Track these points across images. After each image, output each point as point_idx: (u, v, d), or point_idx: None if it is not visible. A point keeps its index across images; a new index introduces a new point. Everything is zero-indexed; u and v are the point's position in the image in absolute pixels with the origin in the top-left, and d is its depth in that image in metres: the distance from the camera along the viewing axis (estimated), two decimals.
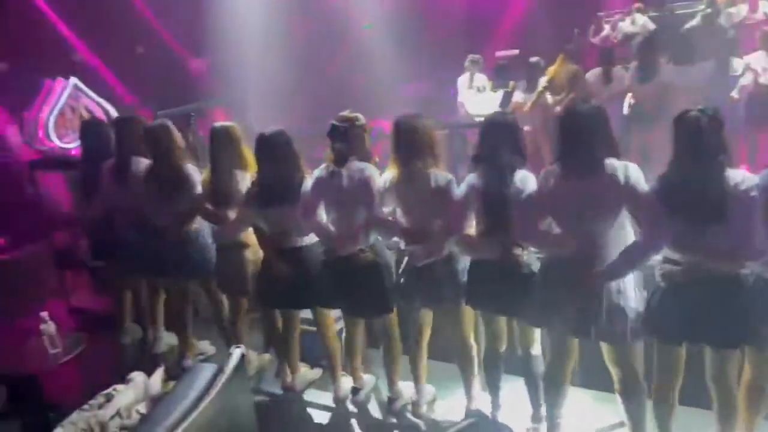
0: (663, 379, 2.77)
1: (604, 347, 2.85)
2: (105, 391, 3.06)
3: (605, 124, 2.74)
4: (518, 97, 7.17)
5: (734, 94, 5.72)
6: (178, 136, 4.04)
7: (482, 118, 6.58)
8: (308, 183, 3.40)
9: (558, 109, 6.72)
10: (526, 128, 7.08)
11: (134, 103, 7.72)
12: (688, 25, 7.62)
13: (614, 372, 2.87)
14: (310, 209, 3.36)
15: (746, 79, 5.74)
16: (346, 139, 3.29)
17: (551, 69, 7.05)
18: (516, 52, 9.64)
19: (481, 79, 7.52)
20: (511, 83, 7.49)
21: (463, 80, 7.62)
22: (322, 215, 3.41)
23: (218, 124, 3.77)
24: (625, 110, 6.67)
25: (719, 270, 2.52)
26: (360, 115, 3.36)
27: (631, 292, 2.73)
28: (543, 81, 6.95)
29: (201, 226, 4.04)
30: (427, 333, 3.47)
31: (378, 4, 9.28)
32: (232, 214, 3.70)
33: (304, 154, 3.56)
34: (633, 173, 2.66)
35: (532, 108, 6.97)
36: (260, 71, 7.85)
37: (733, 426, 2.71)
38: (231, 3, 7.89)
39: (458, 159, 6.16)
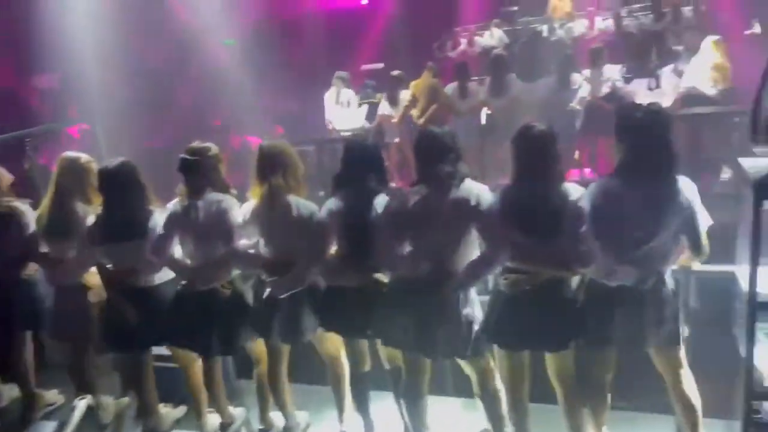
0: (512, 383, 2.91)
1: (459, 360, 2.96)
2: None
3: (455, 146, 2.83)
4: (384, 109, 7.32)
5: (575, 105, 6.21)
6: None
7: (348, 133, 6.80)
8: (159, 217, 3.22)
9: (421, 121, 6.95)
10: (395, 140, 7.35)
11: None
12: (528, 41, 8.21)
13: (472, 377, 3.01)
14: (162, 245, 3.18)
15: (584, 92, 6.25)
16: (198, 172, 3.14)
17: (414, 83, 7.29)
18: (381, 65, 9.88)
19: (348, 94, 7.60)
20: (378, 96, 7.64)
21: (329, 96, 7.66)
22: (177, 250, 3.24)
23: (66, 153, 3.46)
24: (483, 122, 7.05)
25: (554, 277, 2.69)
26: (212, 145, 3.22)
27: (474, 308, 2.86)
28: (407, 95, 7.16)
29: (34, 271, 3.66)
30: (284, 361, 3.38)
31: (241, 19, 9.09)
32: (72, 253, 3.40)
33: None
34: (482, 194, 2.77)
35: (400, 121, 7.16)
36: (116, 92, 7.35)
37: (580, 418, 2.90)
38: (76, 22, 7.31)
39: (328, 175, 6.17)
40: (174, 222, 3.18)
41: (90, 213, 3.34)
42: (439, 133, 2.81)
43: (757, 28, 8.23)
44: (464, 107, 6.89)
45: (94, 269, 3.38)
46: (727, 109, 6.01)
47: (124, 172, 3.20)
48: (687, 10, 9.12)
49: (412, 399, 3.07)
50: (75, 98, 7.35)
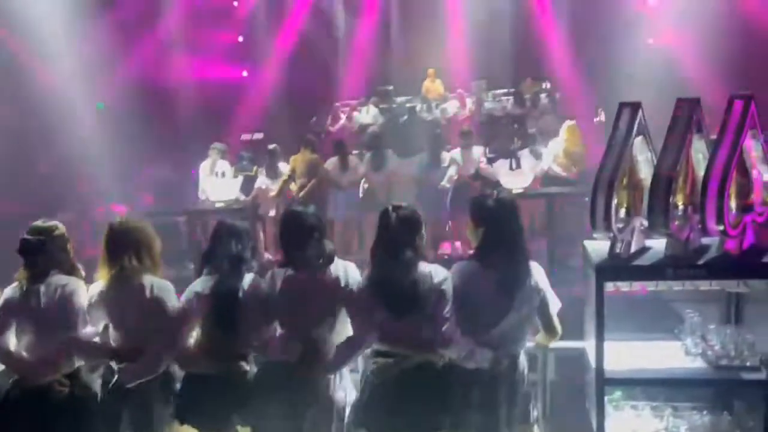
0: None
1: None
2: None
3: (320, 225, 2.84)
4: (261, 182, 7.27)
5: (444, 182, 6.54)
6: None
7: (222, 204, 6.64)
8: None
9: (301, 195, 6.97)
10: (271, 213, 7.28)
11: None
12: (404, 120, 8.65)
13: None
14: None
15: (453, 170, 6.61)
16: (42, 254, 2.88)
17: (293, 158, 7.34)
18: (260, 135, 9.88)
19: (223, 164, 7.47)
20: (255, 168, 7.59)
21: (204, 166, 7.49)
22: (11, 340, 2.91)
23: None
24: (360, 196, 7.22)
25: (421, 361, 2.70)
26: (58, 224, 2.97)
27: (346, 388, 2.82)
28: (286, 169, 7.19)
29: None
30: None
31: (115, 83, 8.77)
32: None
33: None
34: (351, 273, 2.78)
35: (279, 195, 7.13)
36: None
37: None
38: None
39: (197, 247, 5.94)
40: (10, 308, 2.88)
41: None
42: (303, 213, 2.81)
43: (602, 117, 9.22)
44: (345, 181, 7.03)
45: None
46: (577, 190, 6.58)
47: None
48: (543, 97, 10.08)
49: None
50: None
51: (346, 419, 2.76)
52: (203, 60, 11.10)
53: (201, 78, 10.76)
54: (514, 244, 2.66)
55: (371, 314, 2.68)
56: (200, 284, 2.91)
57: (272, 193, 7.20)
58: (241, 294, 2.83)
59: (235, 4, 12.41)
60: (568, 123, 7.28)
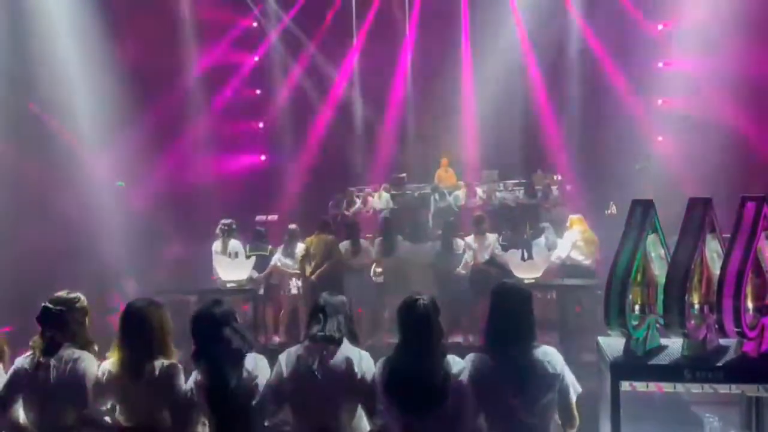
0: None
1: None
2: None
3: (343, 312, 2.84)
4: (277, 260, 7.32)
5: (460, 269, 6.54)
6: None
7: (234, 285, 6.64)
8: (1, 376, 2.89)
9: (314, 277, 6.98)
10: (293, 293, 7.28)
11: None
12: (418, 207, 8.79)
13: None
14: (2, 407, 2.83)
15: (468, 256, 6.63)
16: (61, 324, 2.90)
17: (309, 239, 7.40)
18: (275, 217, 10.03)
19: (236, 245, 7.54)
20: (269, 248, 7.65)
21: (216, 246, 7.55)
22: (20, 413, 2.88)
23: None
24: (374, 279, 7.21)
25: None
26: (81, 296, 3.00)
27: None
28: (301, 249, 7.24)
29: None
30: None
31: (129, 164, 9.04)
32: None
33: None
34: (365, 364, 2.75)
35: (300, 272, 7.14)
36: None
37: None
38: None
39: None
40: (19, 380, 2.86)
41: None
42: (332, 297, 2.83)
43: (613, 209, 9.31)
44: (356, 264, 7.05)
45: None
46: (592, 281, 6.55)
47: None
48: (554, 189, 10.23)
49: None
50: None
51: None
52: (226, 151, 11.48)
53: (221, 170, 11.12)
54: (520, 331, 2.63)
55: (388, 407, 2.62)
56: (196, 375, 2.86)
57: (290, 270, 7.22)
58: (235, 381, 2.75)
59: (258, 92, 12.98)
60: (575, 216, 7.42)
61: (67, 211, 7.75)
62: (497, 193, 10.46)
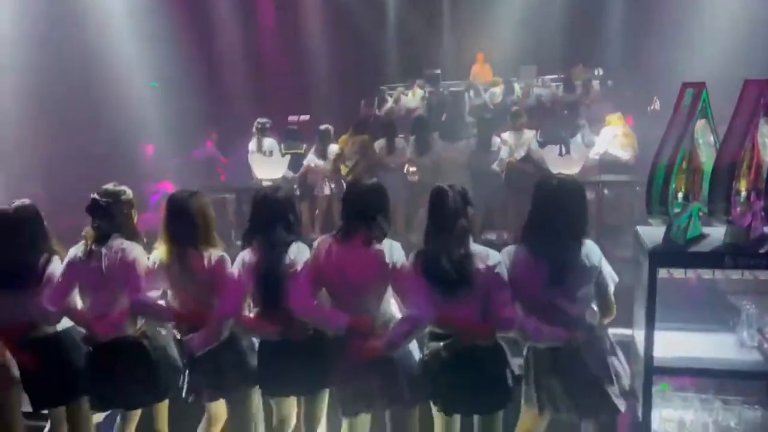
0: None
1: (388, 414, 2.91)
2: None
3: (381, 202, 2.85)
4: (311, 160, 7.34)
5: (495, 167, 6.45)
6: None
7: (270, 183, 6.72)
8: (58, 264, 3.03)
9: (350, 177, 6.99)
10: (326, 192, 7.35)
11: None
12: (451, 104, 8.57)
13: None
14: (59, 293, 2.99)
15: (504, 153, 6.52)
16: (108, 216, 2.99)
17: (343, 138, 7.37)
18: (307, 117, 9.96)
19: (271, 143, 7.56)
20: (303, 146, 7.66)
21: (252, 144, 7.59)
22: (76, 298, 3.04)
23: None
24: (408, 179, 7.20)
25: (475, 342, 2.70)
26: (126, 189, 3.08)
27: (407, 359, 2.83)
28: (336, 150, 7.22)
29: None
30: (219, 424, 3.21)
31: (166, 61, 8.96)
32: None
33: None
34: (396, 252, 2.79)
35: (332, 172, 7.18)
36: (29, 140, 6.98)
37: None
38: None
39: (244, 223, 6.04)
40: (74, 269, 3.00)
41: None
42: (369, 187, 2.83)
43: (657, 105, 8.95)
44: (392, 163, 7.03)
45: None
46: (631, 178, 6.42)
47: (20, 216, 3.01)
48: (596, 84, 9.83)
49: None
50: None
51: (408, 392, 2.78)
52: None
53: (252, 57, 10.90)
54: (574, 222, 2.62)
55: (420, 293, 2.68)
56: (247, 254, 2.97)
57: (324, 171, 7.24)
58: (284, 264, 2.86)
59: None
60: (615, 114, 7.16)
61: (110, 118, 7.87)
62: (535, 89, 10.10)
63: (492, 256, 2.69)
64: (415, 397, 2.81)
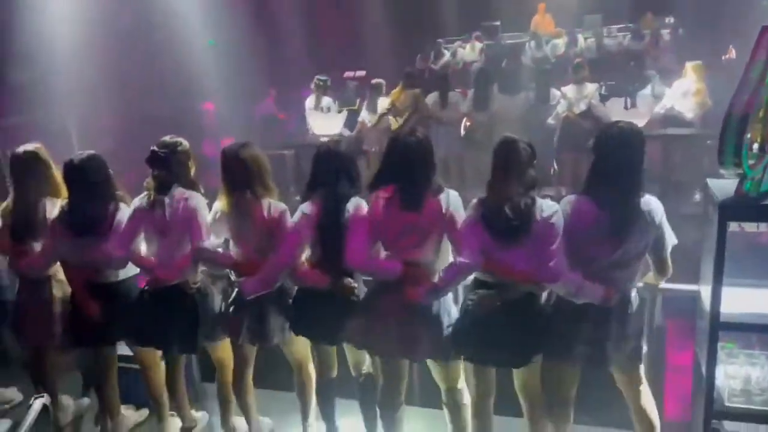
0: (477, 394, 2.92)
1: (431, 364, 2.96)
2: None
3: (429, 154, 2.82)
4: (364, 116, 7.33)
5: (551, 121, 6.28)
6: None
7: (327, 139, 6.78)
8: (125, 212, 3.17)
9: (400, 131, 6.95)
10: (373, 149, 7.35)
11: None
12: (511, 56, 8.32)
13: (441, 385, 3.00)
14: (126, 240, 3.13)
15: (561, 107, 6.33)
16: (167, 166, 3.09)
17: (393, 92, 7.30)
18: (363, 72, 9.91)
19: (328, 100, 7.59)
20: (357, 102, 7.65)
21: (309, 101, 7.64)
22: (141, 247, 3.19)
23: (21, 147, 3.35)
24: (462, 133, 7.10)
25: (522, 292, 2.70)
26: (183, 140, 3.17)
27: (449, 309, 2.87)
28: (385, 104, 7.18)
29: None
30: (250, 367, 3.33)
31: (223, 19, 9.03)
32: (37, 247, 3.33)
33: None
34: (453, 201, 2.78)
35: (376, 128, 7.16)
36: (85, 89, 7.26)
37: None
38: (55, 24, 7.22)
39: (305, 180, 6.14)
40: (139, 217, 3.13)
41: (55, 206, 3.27)
42: (418, 139, 2.81)
43: (733, 53, 8.43)
44: (444, 117, 6.93)
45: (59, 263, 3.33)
46: (700, 131, 6.13)
47: (91, 166, 3.14)
48: (666, 33, 9.32)
49: (390, 407, 3.04)
50: (49, 95, 7.24)
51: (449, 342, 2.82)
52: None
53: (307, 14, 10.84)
54: (635, 175, 2.54)
55: (475, 239, 2.67)
56: (307, 206, 3.03)
57: (374, 126, 7.22)
58: (345, 214, 2.90)
59: None
60: (693, 63, 6.73)
61: (172, 78, 8.04)
62: (600, 40, 9.67)
63: (547, 207, 2.65)
64: (457, 349, 2.84)
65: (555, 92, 6.42)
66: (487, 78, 6.82)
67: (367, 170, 7.46)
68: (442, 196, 2.77)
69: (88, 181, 3.13)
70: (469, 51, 10.24)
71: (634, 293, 2.68)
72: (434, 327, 2.80)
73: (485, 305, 2.71)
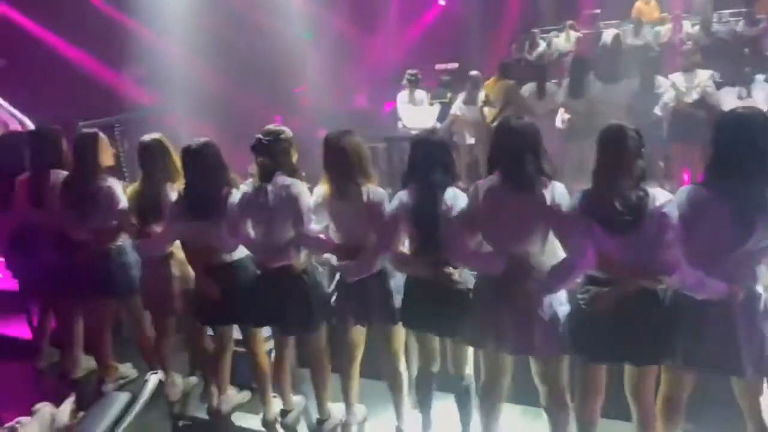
0: (585, 395, 2.79)
1: (533, 362, 2.87)
2: (8, 425, 2.83)
3: (537, 142, 2.74)
4: (457, 109, 7.25)
5: (657, 110, 5.93)
6: (106, 147, 3.90)
7: (418, 132, 6.77)
8: (236, 197, 3.30)
9: (495, 123, 6.82)
10: (468, 141, 7.27)
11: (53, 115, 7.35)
12: (609, 43, 7.92)
13: (541, 387, 2.90)
14: (236, 224, 3.27)
15: (668, 96, 5.96)
16: (270, 154, 3.20)
17: (487, 84, 7.18)
18: (455, 65, 9.80)
19: (420, 93, 7.58)
20: (449, 95, 7.58)
21: (402, 94, 7.65)
22: (250, 230, 3.31)
23: (147, 136, 3.60)
24: (558, 124, 6.86)
25: (638, 287, 2.56)
26: (285, 129, 3.28)
27: (559, 307, 2.76)
28: (481, 95, 7.07)
29: (123, 242, 3.86)
30: (359, 352, 3.41)
31: (318, 14, 9.24)
32: (158, 228, 3.55)
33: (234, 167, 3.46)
34: (558, 193, 2.68)
35: (467, 120, 7.06)
36: (191, 81, 7.69)
37: None
38: (159, 13, 7.70)
39: (397, 172, 6.21)
40: (246, 203, 3.26)
41: (175, 191, 3.47)
42: (522, 127, 2.73)
43: None
44: (541, 108, 6.73)
45: (179, 244, 3.54)
46: None
47: (206, 153, 3.30)
48: None
49: (489, 402, 3.00)
50: (162, 87, 7.71)
51: (557, 340, 2.73)
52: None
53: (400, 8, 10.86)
54: (755, 164, 2.35)
55: (585, 234, 2.56)
56: (405, 195, 3.04)
57: (469, 119, 7.12)
58: (441, 206, 2.88)
59: None
60: None
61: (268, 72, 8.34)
62: (710, 26, 9.01)
63: (660, 196, 2.51)
64: (562, 346, 2.74)
65: (661, 80, 6.06)
66: (582, 65, 6.57)
67: (457, 162, 7.40)
68: (548, 189, 2.68)
69: (204, 166, 3.29)
70: (564, 41, 9.86)
71: (762, 291, 2.47)
72: (542, 324, 2.71)
73: (599, 303, 2.59)
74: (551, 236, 2.71)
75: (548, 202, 2.65)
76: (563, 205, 2.65)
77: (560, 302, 2.78)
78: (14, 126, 6.64)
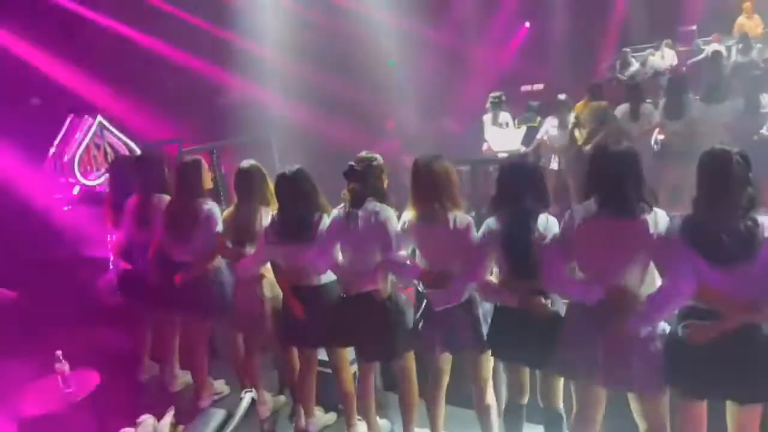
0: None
1: (632, 398, 2.73)
2: None
3: (637, 167, 2.62)
4: (545, 133, 7.08)
5: (764, 131, 5.56)
6: (207, 173, 4.11)
7: (505, 154, 6.66)
8: (326, 222, 3.37)
9: (587, 148, 6.60)
10: (553, 166, 7.07)
11: (159, 140, 7.82)
12: (710, 61, 7.53)
13: (641, 424, 2.74)
14: (326, 249, 3.33)
15: None
16: (362, 180, 3.26)
17: (578, 105, 6.99)
18: (541, 86, 9.65)
19: (505, 116, 7.49)
20: (537, 119, 7.44)
21: (487, 117, 7.60)
22: (339, 255, 3.37)
23: (246, 162, 3.77)
24: (654, 147, 6.56)
25: (744, 321, 2.38)
26: (377, 156, 3.33)
27: (658, 340, 2.61)
28: (571, 118, 6.89)
29: (219, 263, 4.03)
30: (445, 379, 3.36)
31: (401, 40, 9.39)
32: (251, 251, 3.68)
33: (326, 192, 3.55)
34: (661, 221, 2.55)
35: (554, 145, 6.88)
36: (285, 108, 8.03)
37: None
38: (258, 41, 8.12)
39: (482, 196, 6.13)
40: (336, 228, 3.32)
41: (268, 215, 3.60)
42: (622, 152, 2.62)
43: None
44: (636, 130, 6.46)
45: (270, 266, 3.67)
46: None
47: (299, 178, 3.40)
48: None
49: None
50: (256, 115, 8.09)
51: (658, 374, 2.59)
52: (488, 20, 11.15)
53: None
54: None
55: (686, 261, 2.41)
56: (493, 222, 2.99)
57: (556, 144, 6.95)
58: (533, 233, 2.81)
59: None
60: None
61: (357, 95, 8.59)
62: None
63: None
64: (664, 380, 2.59)
65: (767, 98, 5.68)
66: (680, 84, 6.27)
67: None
68: (650, 216, 2.55)
69: (296, 192, 3.39)
70: (659, 59, 9.48)
71: None
72: (642, 358, 2.58)
73: (700, 336, 2.44)
74: (651, 266, 2.58)
75: (651, 230, 2.53)
76: (666, 235, 2.52)
77: (661, 335, 2.62)
78: (123, 151, 7.12)
